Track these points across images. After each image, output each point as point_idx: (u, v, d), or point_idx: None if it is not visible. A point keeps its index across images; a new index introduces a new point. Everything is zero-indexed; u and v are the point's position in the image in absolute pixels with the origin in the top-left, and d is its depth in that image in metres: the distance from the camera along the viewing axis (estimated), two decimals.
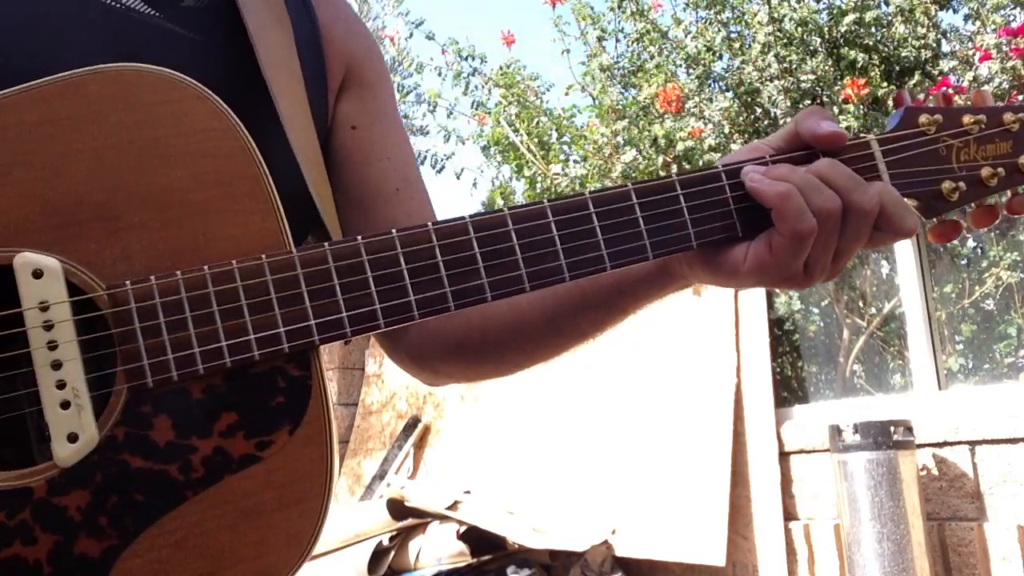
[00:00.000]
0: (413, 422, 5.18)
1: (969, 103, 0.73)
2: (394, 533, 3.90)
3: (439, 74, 5.34)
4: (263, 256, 0.61)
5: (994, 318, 3.65)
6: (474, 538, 3.66)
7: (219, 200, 0.62)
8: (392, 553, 3.86)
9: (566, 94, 5.19)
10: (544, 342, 0.80)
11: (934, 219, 0.73)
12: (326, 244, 0.63)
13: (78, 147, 0.61)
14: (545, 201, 0.65)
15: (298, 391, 0.61)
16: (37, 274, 0.57)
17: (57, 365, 0.57)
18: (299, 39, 0.81)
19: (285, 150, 0.72)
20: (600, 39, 4.93)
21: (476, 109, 5.33)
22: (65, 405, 0.57)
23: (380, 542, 3.85)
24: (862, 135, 0.72)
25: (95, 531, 0.56)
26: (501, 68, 5.17)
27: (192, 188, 0.62)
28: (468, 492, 3.99)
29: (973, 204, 0.73)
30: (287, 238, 0.63)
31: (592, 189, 4.62)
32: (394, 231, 0.63)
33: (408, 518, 3.90)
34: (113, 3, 0.73)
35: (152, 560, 0.57)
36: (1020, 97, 3.49)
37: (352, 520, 4.12)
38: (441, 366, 0.84)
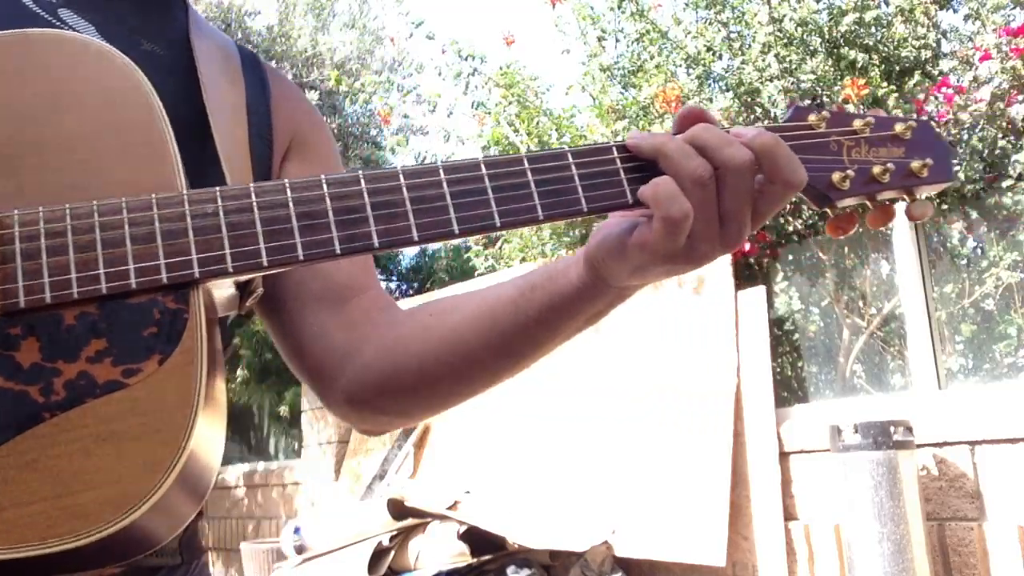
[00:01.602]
0: None
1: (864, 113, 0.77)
2: (394, 533, 3.90)
3: (439, 74, 5.35)
4: (153, 195, 0.63)
5: (994, 318, 3.65)
6: (474, 538, 3.66)
7: (117, 148, 0.65)
8: (392, 553, 3.86)
9: (566, 94, 5.19)
10: (482, 367, 0.78)
11: (829, 212, 0.76)
12: (217, 188, 0.64)
13: None
14: (439, 163, 0.67)
15: (173, 323, 0.60)
16: None
17: None
18: (250, 99, 0.85)
19: (220, 181, 0.74)
20: (600, 39, 4.93)
21: (476, 109, 5.33)
22: None
23: (380, 542, 3.85)
24: (759, 122, 0.75)
25: None
26: (501, 68, 5.18)
27: (91, 136, 0.64)
28: (468, 492, 3.99)
29: (869, 204, 0.76)
30: (181, 183, 0.64)
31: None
32: (286, 181, 0.65)
33: (408, 518, 3.90)
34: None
35: None
36: (1020, 97, 3.49)
37: (352, 520, 4.13)
38: (379, 403, 0.82)
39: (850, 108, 3.54)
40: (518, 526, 3.73)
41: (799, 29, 4.14)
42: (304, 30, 6.18)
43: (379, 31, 6.63)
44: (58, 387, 0.58)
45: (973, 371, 3.71)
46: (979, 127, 3.65)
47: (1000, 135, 3.60)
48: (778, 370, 3.95)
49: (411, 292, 8.27)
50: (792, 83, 4.01)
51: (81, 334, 0.59)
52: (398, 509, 3.89)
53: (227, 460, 7.66)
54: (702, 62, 4.45)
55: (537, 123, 4.92)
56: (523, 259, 5.14)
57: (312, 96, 5.99)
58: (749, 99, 4.10)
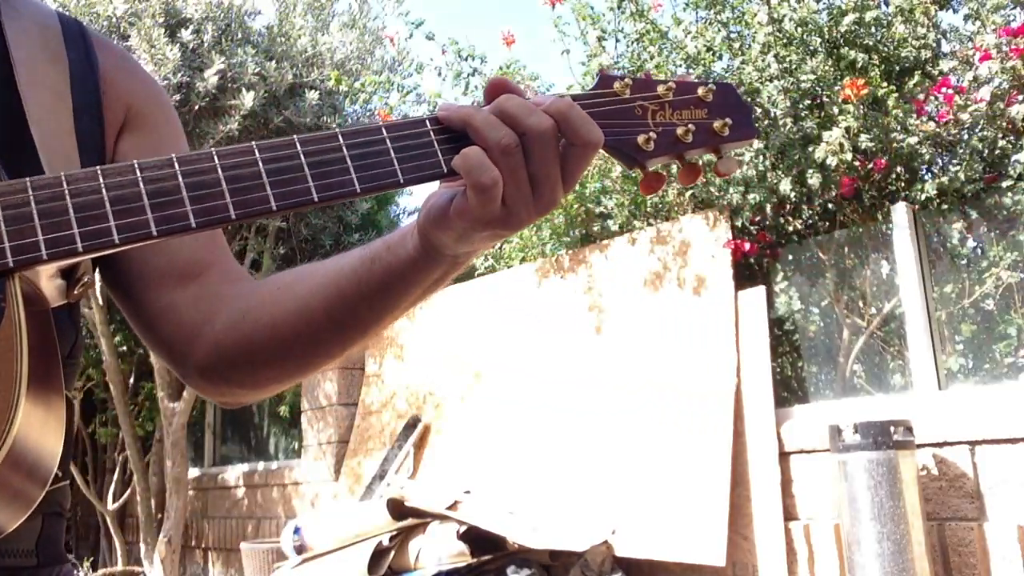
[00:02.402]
0: (413, 422, 5.17)
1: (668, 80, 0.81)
2: (394, 533, 3.90)
3: (439, 74, 5.35)
4: None
5: (994, 318, 3.65)
6: (474, 538, 3.66)
7: None
8: (392, 553, 3.86)
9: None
10: (330, 336, 0.80)
11: (640, 172, 0.80)
12: (27, 179, 0.64)
13: None
14: (253, 144, 0.68)
15: None
16: None
17: None
18: (75, 76, 0.83)
19: (34, 164, 0.74)
20: (600, 39, 4.93)
21: None
22: None
23: (380, 542, 3.85)
24: (561, 92, 0.77)
25: None
26: (501, 68, 5.17)
27: None
28: (468, 492, 3.99)
29: (679, 163, 0.81)
30: None
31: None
32: (98, 168, 0.65)
33: (408, 518, 3.90)
34: None
35: None
36: (1020, 97, 3.49)
37: (352, 520, 4.12)
38: (232, 375, 0.83)
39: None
40: (518, 526, 3.73)
41: (799, 29, 4.14)
42: (304, 30, 6.17)
43: (379, 31, 6.63)
44: None
45: (973, 371, 3.71)
46: (979, 127, 3.65)
47: (1000, 135, 3.60)
48: (778, 370, 3.95)
49: None
50: (792, 83, 4.01)
51: None
52: (398, 509, 3.89)
53: (227, 460, 7.66)
54: (702, 62, 4.45)
55: None
56: (523, 259, 5.14)
57: (312, 96, 5.99)
58: (749, 99, 4.10)
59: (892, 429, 3.03)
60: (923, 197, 3.63)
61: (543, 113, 0.69)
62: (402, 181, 0.69)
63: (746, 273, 4.05)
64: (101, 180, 0.64)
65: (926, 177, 3.84)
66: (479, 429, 4.77)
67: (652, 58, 4.62)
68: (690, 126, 0.78)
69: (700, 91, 0.80)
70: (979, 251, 3.81)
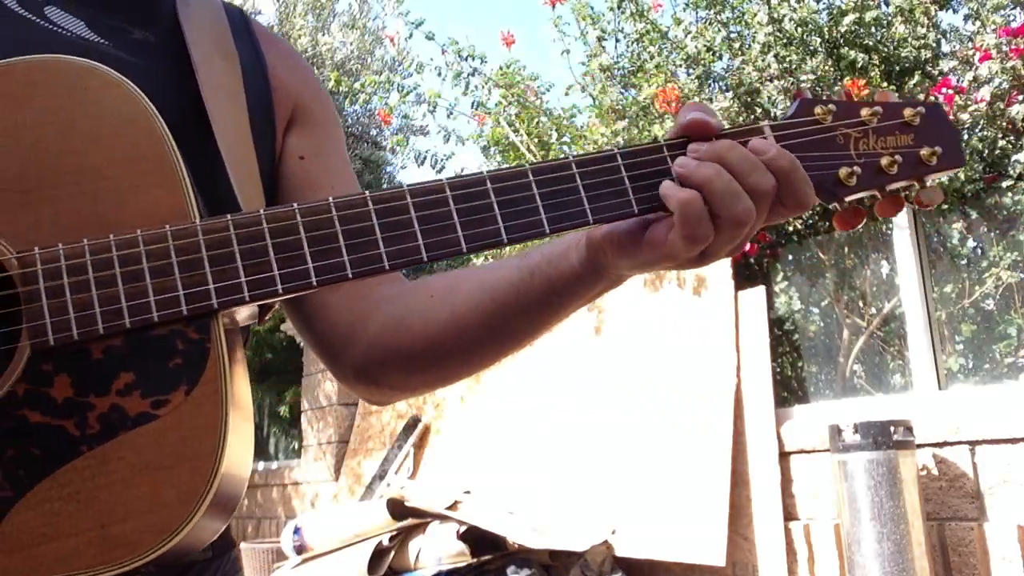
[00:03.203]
0: (413, 422, 5.18)
1: (873, 99, 0.75)
2: (394, 533, 3.90)
3: (439, 74, 5.35)
4: (167, 225, 0.64)
5: (994, 318, 3.65)
6: (474, 538, 3.66)
7: (129, 177, 0.65)
8: (392, 553, 3.86)
9: (566, 94, 5.19)
10: (484, 347, 0.80)
11: (837, 206, 0.74)
12: (228, 216, 0.65)
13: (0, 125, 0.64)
14: (444, 180, 0.68)
15: (196, 354, 0.62)
16: None
17: None
18: (247, 73, 0.85)
19: (220, 170, 0.76)
20: (600, 39, 4.93)
21: (476, 109, 5.33)
22: None
23: (380, 542, 3.85)
24: (759, 122, 0.73)
25: None
26: (501, 68, 5.17)
27: (104, 165, 0.65)
28: (468, 492, 3.99)
29: (879, 195, 0.74)
30: (193, 211, 0.65)
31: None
32: (295, 204, 0.66)
33: (408, 518, 3.90)
34: (62, 31, 0.77)
35: (45, 512, 0.58)
36: (1020, 97, 3.49)
37: (352, 520, 4.12)
38: (384, 379, 0.85)
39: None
40: (518, 526, 3.73)
41: (799, 29, 4.14)
42: (304, 30, 6.17)
43: (379, 31, 6.63)
44: (92, 421, 0.60)
45: (973, 371, 3.71)
46: (979, 127, 3.65)
47: (1000, 135, 3.60)
48: (778, 370, 3.95)
49: None
50: (792, 83, 4.01)
51: (109, 368, 0.61)
52: (398, 509, 3.89)
53: None
54: (702, 62, 4.45)
55: (537, 123, 4.93)
56: None
57: None
58: (749, 99, 4.10)
59: (892, 429, 3.03)
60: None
61: (767, 172, 0.67)
62: (591, 221, 0.68)
63: (746, 273, 4.05)
64: (299, 219, 0.65)
65: None
66: (479, 429, 4.77)
67: (652, 58, 4.62)
68: (896, 156, 0.72)
69: (907, 113, 0.74)
70: (979, 251, 3.81)
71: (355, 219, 0.66)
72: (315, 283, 0.65)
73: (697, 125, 0.70)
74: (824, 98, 0.74)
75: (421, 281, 0.86)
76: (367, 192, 0.67)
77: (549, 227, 0.67)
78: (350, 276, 0.65)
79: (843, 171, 0.71)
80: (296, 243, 0.65)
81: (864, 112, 0.73)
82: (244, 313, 0.71)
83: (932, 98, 3.85)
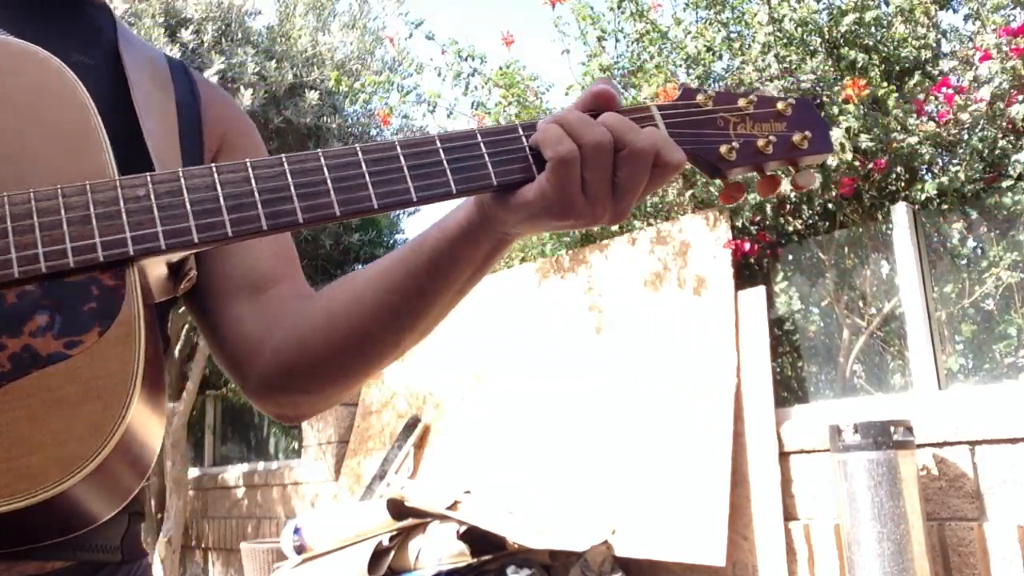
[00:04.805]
0: (413, 422, 5.18)
1: (750, 94, 0.84)
2: (394, 533, 3.90)
3: (439, 74, 5.34)
4: (87, 182, 0.67)
5: (994, 318, 3.65)
6: (474, 538, 3.66)
7: (52, 142, 0.69)
8: (392, 553, 3.86)
9: (566, 94, 5.19)
10: (383, 330, 0.81)
11: (721, 182, 0.82)
12: (147, 174, 0.68)
13: None
14: (357, 146, 0.73)
15: (111, 298, 0.64)
16: None
17: None
18: (180, 105, 0.90)
19: None
20: (600, 39, 4.93)
21: (476, 109, 5.33)
22: None
23: (380, 542, 3.85)
24: (645, 102, 0.80)
25: None
26: (501, 68, 5.17)
27: (28, 130, 0.69)
28: (468, 492, 3.99)
29: (759, 175, 0.83)
30: (113, 169, 0.69)
31: None
32: (213, 165, 0.70)
33: (408, 518, 3.90)
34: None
35: None
36: (1021, 97, 3.49)
37: (352, 520, 4.12)
38: (290, 385, 0.85)
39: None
40: (518, 526, 3.73)
41: (799, 29, 4.14)
42: (304, 30, 6.17)
43: (379, 31, 6.63)
44: (3, 360, 0.61)
45: (973, 371, 3.71)
46: (979, 127, 3.65)
47: (1000, 135, 3.60)
48: (778, 370, 3.95)
49: None
50: (792, 83, 4.01)
51: (23, 311, 0.63)
52: (398, 509, 3.89)
53: (227, 460, 7.66)
54: (702, 62, 4.45)
55: None
56: (523, 259, 5.14)
57: (312, 96, 5.99)
58: None
59: (892, 429, 3.03)
60: (923, 197, 3.64)
61: (646, 135, 0.73)
62: (495, 184, 0.73)
63: (746, 273, 4.05)
64: (216, 177, 0.69)
65: (926, 177, 3.84)
66: (479, 429, 4.77)
67: (652, 58, 4.62)
68: (771, 138, 0.81)
69: (779, 105, 0.83)
70: (979, 251, 3.81)
71: (269, 179, 0.69)
72: (230, 234, 0.67)
73: (607, 96, 0.76)
74: (704, 89, 0.83)
75: (327, 287, 0.87)
76: (283, 157, 0.71)
77: (416, 196, 0.72)
78: (264, 228, 0.68)
79: (723, 148, 0.80)
80: (213, 199, 0.68)
81: (741, 102, 0.82)
82: (158, 276, 0.73)
83: (932, 98, 3.85)
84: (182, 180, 0.68)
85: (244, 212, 0.68)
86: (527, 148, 0.74)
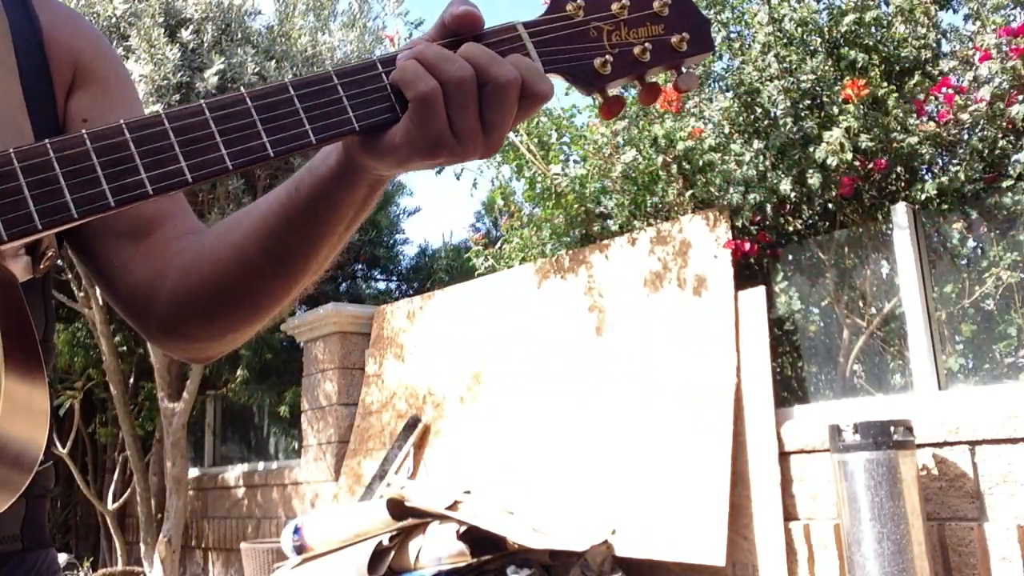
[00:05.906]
0: (413, 422, 5.17)
1: None
2: (394, 533, 3.90)
3: None
4: None
5: (994, 318, 3.65)
6: (474, 538, 3.66)
7: None
8: (392, 553, 3.86)
9: (566, 94, 5.19)
10: (267, 276, 0.79)
11: (600, 97, 0.78)
12: (10, 149, 0.63)
13: None
14: (202, 102, 0.68)
15: None
16: None
17: None
18: (17, 38, 0.81)
19: None
20: None
21: None
22: None
23: (380, 542, 3.85)
24: (511, 21, 0.75)
25: None
26: None
27: None
28: (468, 492, 3.99)
29: (639, 84, 0.78)
30: None
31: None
32: (84, 132, 0.65)
33: (408, 518, 3.90)
34: None
35: None
36: (1021, 97, 3.49)
37: (352, 520, 4.12)
38: (187, 330, 0.83)
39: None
40: (518, 526, 3.73)
41: (799, 29, 4.14)
42: (304, 30, 6.17)
43: (379, 31, 6.63)
44: None
45: (973, 371, 3.71)
46: (979, 127, 3.65)
47: (1000, 135, 3.60)
48: (778, 370, 3.95)
49: (411, 292, 8.27)
50: (792, 83, 4.01)
51: None
52: (398, 509, 3.89)
53: (227, 460, 7.66)
54: (702, 62, 4.45)
55: (537, 123, 4.92)
56: (523, 259, 5.14)
57: None
58: (749, 99, 4.10)
59: (892, 429, 3.03)
60: (923, 197, 3.64)
61: (508, 66, 0.69)
62: (357, 128, 0.69)
63: (746, 273, 4.05)
64: (52, 154, 0.63)
65: (926, 177, 3.84)
66: (479, 429, 4.77)
67: None
68: (647, 44, 0.76)
69: (656, 5, 0.78)
70: (979, 251, 3.81)
71: (110, 149, 0.65)
72: (113, 204, 0.63)
73: (470, 17, 0.71)
74: None
75: (211, 231, 0.84)
76: (121, 120, 0.66)
77: (272, 151, 0.67)
78: (112, 205, 0.64)
79: (597, 61, 0.75)
80: (89, 168, 0.64)
81: (615, 7, 0.77)
82: (18, 263, 0.69)
83: (932, 98, 3.85)
84: (51, 153, 0.63)
85: (88, 189, 0.63)
86: (388, 86, 0.70)
